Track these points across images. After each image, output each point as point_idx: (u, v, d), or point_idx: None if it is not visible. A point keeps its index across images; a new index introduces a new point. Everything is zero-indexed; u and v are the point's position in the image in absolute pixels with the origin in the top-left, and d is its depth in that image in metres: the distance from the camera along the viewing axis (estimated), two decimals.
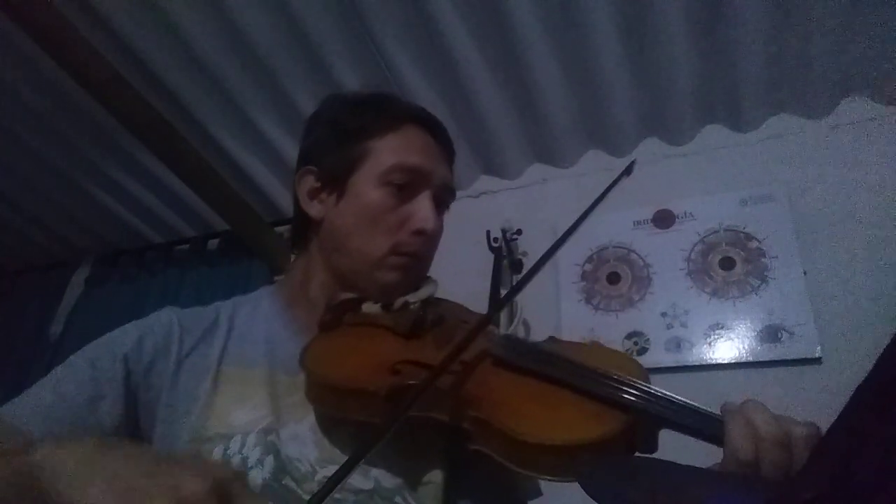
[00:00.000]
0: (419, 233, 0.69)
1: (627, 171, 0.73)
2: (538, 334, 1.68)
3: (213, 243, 2.36)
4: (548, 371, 0.54)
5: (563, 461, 0.46)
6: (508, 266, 1.77)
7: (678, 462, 0.40)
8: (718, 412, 0.48)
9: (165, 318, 0.67)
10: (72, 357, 0.62)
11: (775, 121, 1.69)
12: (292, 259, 0.81)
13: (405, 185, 0.70)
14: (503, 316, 1.63)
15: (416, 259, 0.71)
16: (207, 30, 1.59)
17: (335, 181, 0.72)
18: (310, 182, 0.74)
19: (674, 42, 1.50)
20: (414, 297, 0.69)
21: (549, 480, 0.47)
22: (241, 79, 1.72)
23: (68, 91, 1.69)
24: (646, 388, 0.49)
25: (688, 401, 0.47)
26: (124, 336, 0.64)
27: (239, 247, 2.17)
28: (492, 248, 1.79)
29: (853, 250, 1.45)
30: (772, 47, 1.49)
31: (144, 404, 0.62)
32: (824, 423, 0.44)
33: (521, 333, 1.68)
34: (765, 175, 1.64)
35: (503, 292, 1.70)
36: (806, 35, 1.46)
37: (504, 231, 1.78)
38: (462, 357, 0.54)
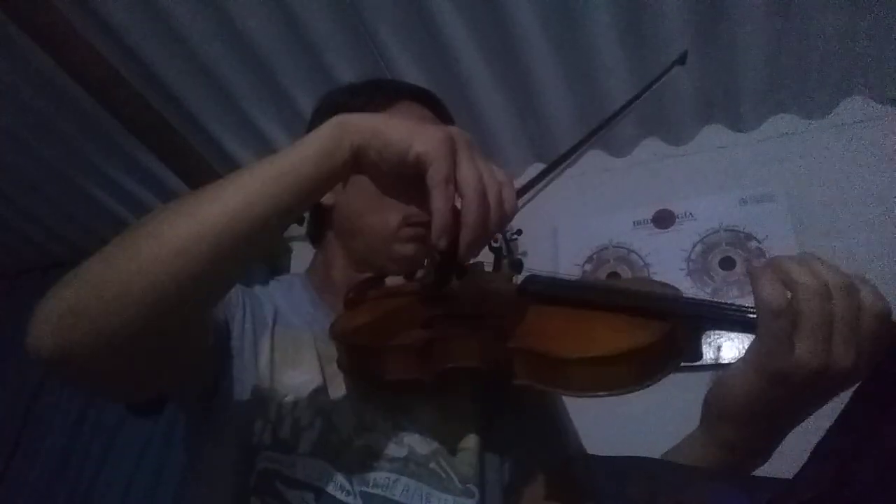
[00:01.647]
0: None
1: (681, 60, 0.76)
2: None
3: None
4: (580, 296, 0.54)
5: (609, 373, 0.45)
6: (508, 266, 1.77)
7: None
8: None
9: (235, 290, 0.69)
10: None
11: (775, 121, 1.69)
12: (314, 253, 0.83)
13: None
14: None
15: (427, 227, 0.72)
16: (207, 29, 1.59)
17: None
18: None
19: (674, 42, 1.50)
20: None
21: (600, 397, 0.46)
22: (241, 78, 1.72)
23: (68, 91, 1.69)
24: (679, 296, 0.50)
25: (723, 301, 0.47)
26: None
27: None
28: (492, 248, 1.78)
29: (853, 250, 1.45)
30: (772, 47, 1.49)
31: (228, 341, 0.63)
32: (824, 423, 0.44)
33: None
34: (765, 175, 1.64)
35: None
36: (806, 35, 1.46)
37: (504, 231, 1.78)
38: (492, 301, 0.56)
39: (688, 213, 1.68)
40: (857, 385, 0.39)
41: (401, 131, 0.46)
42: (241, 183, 0.46)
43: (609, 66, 1.58)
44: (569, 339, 0.49)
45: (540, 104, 1.71)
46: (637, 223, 1.73)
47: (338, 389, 0.62)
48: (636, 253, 1.69)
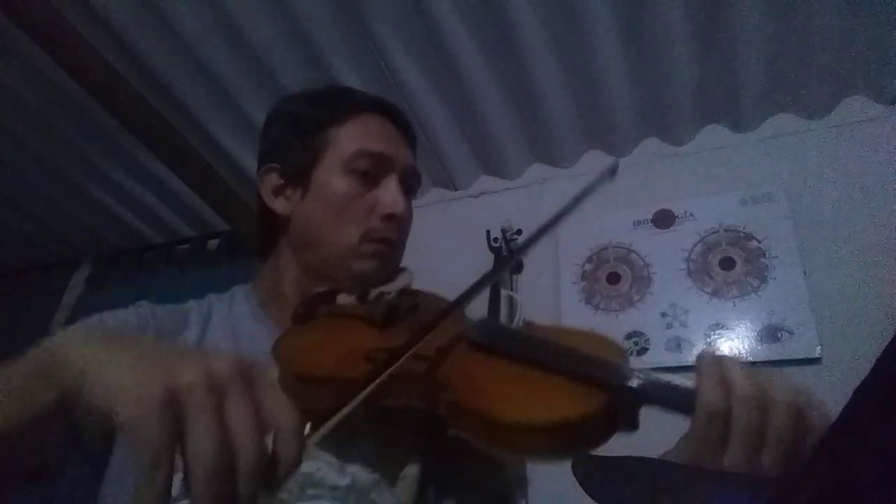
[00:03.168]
0: (389, 217, 0.69)
1: (611, 172, 0.73)
2: None
3: (213, 243, 2.36)
4: (524, 353, 0.53)
5: (543, 441, 0.45)
6: (508, 265, 1.77)
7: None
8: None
9: (141, 310, 0.67)
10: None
11: (775, 121, 1.69)
12: (261, 267, 0.80)
13: (369, 171, 0.70)
14: (503, 316, 1.63)
15: (388, 245, 0.71)
16: (207, 29, 1.59)
17: (299, 175, 0.72)
18: (273, 180, 0.74)
19: (674, 42, 1.50)
20: (389, 288, 0.69)
21: (531, 462, 0.46)
22: (241, 78, 1.72)
23: (68, 91, 1.69)
24: (624, 367, 0.49)
25: (668, 379, 0.46)
26: (101, 321, 0.63)
27: (239, 247, 2.17)
28: (492, 248, 1.79)
29: (853, 250, 1.45)
30: (772, 47, 1.49)
31: None
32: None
33: None
34: (765, 175, 1.64)
35: (503, 292, 1.70)
36: (806, 35, 1.46)
37: (504, 231, 1.78)
38: (436, 342, 0.54)
39: (688, 213, 1.68)
40: (858, 385, 0.39)
41: (121, 372, 0.35)
42: None
43: (609, 66, 1.58)
44: (507, 399, 0.48)
45: (540, 104, 1.71)
46: (637, 223, 1.73)
47: None
48: (636, 253, 1.69)
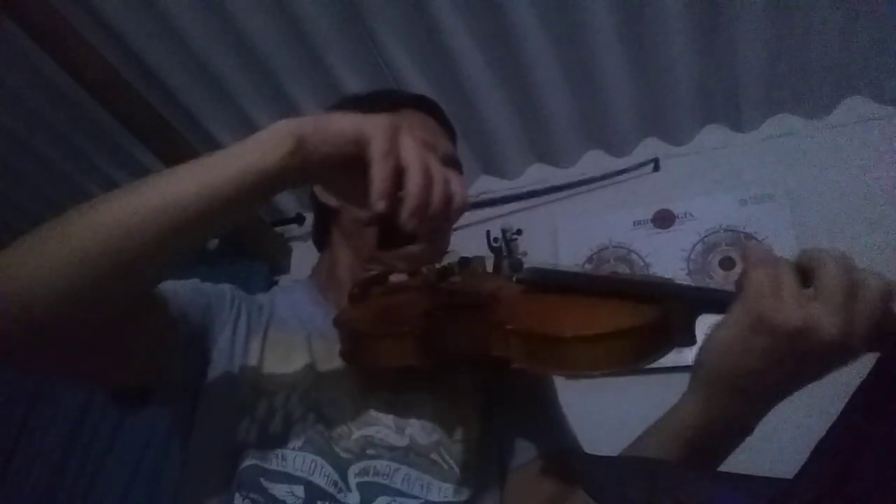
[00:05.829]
0: None
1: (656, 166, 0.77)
2: None
3: (213, 243, 2.36)
4: (576, 283, 0.56)
5: (604, 351, 0.46)
6: (508, 266, 1.77)
7: None
8: None
9: (234, 290, 0.72)
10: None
11: (775, 121, 1.69)
12: (318, 258, 0.85)
13: None
14: None
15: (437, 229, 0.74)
16: (207, 30, 1.59)
17: None
18: None
19: (674, 42, 1.50)
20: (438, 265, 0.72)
21: (595, 376, 0.47)
22: (242, 79, 1.72)
23: (68, 91, 1.69)
24: (673, 281, 0.52)
25: (718, 287, 0.49)
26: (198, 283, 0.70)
27: (239, 247, 2.17)
28: (492, 248, 1.79)
29: (853, 250, 1.44)
30: (772, 47, 1.49)
31: (207, 339, 0.65)
32: (824, 423, 0.44)
33: None
34: (765, 175, 1.64)
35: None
36: (806, 35, 1.46)
37: (504, 231, 1.78)
38: (494, 290, 0.58)
39: (688, 213, 1.68)
40: (858, 385, 0.39)
41: (342, 117, 0.48)
42: (182, 172, 0.48)
43: (609, 66, 1.58)
44: (565, 319, 0.50)
45: (540, 104, 1.71)
46: (637, 223, 1.73)
47: (334, 385, 0.63)
48: (636, 253, 1.69)
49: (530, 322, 0.51)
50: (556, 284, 0.57)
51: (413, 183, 0.45)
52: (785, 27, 1.45)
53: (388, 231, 0.50)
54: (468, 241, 1.93)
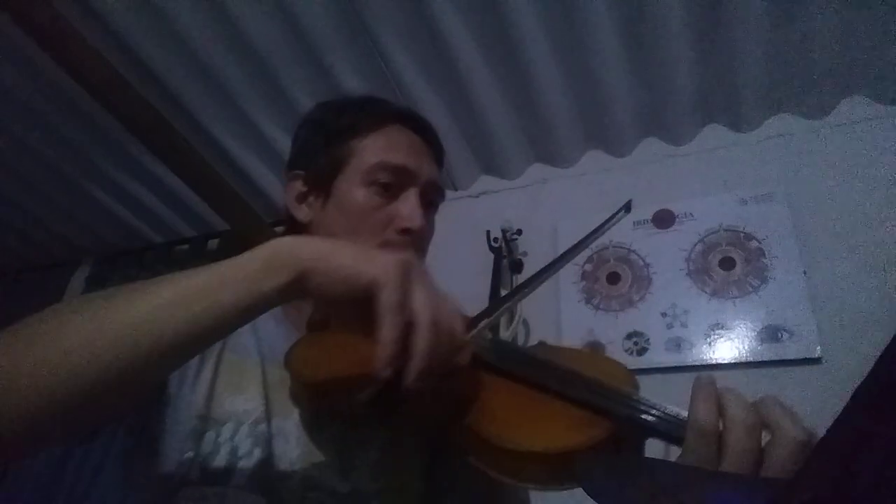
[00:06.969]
0: (405, 231, 0.68)
1: (626, 208, 0.72)
2: (538, 334, 1.69)
3: (213, 243, 2.36)
4: (535, 377, 0.53)
5: (547, 469, 0.45)
6: (508, 266, 1.77)
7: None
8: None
9: None
10: None
11: (775, 121, 1.69)
12: None
13: (390, 184, 0.69)
14: (503, 316, 1.63)
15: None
16: (207, 30, 1.59)
17: (321, 184, 0.72)
18: (297, 187, 0.74)
19: (674, 42, 1.50)
20: None
21: (535, 490, 0.47)
22: (242, 79, 1.72)
23: (68, 91, 1.70)
24: (634, 397, 0.48)
25: (679, 411, 0.45)
26: None
27: (239, 247, 2.17)
28: (492, 248, 1.79)
29: (853, 250, 1.45)
30: (772, 47, 1.49)
31: None
32: (824, 423, 0.44)
33: (520, 333, 1.68)
34: (765, 175, 1.64)
35: (503, 292, 1.70)
36: (806, 35, 1.46)
37: (504, 231, 1.78)
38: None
39: (688, 213, 1.68)
40: (858, 385, 0.39)
41: (350, 256, 0.45)
42: (153, 295, 0.44)
43: (609, 66, 1.58)
44: (513, 426, 0.49)
45: (540, 104, 1.71)
46: (637, 223, 1.73)
47: (285, 418, 0.60)
48: (636, 253, 1.70)
49: (480, 419, 0.49)
50: (515, 374, 0.55)
51: (423, 345, 0.42)
52: (785, 27, 1.45)
53: (384, 388, 0.46)
54: (468, 240, 1.94)
